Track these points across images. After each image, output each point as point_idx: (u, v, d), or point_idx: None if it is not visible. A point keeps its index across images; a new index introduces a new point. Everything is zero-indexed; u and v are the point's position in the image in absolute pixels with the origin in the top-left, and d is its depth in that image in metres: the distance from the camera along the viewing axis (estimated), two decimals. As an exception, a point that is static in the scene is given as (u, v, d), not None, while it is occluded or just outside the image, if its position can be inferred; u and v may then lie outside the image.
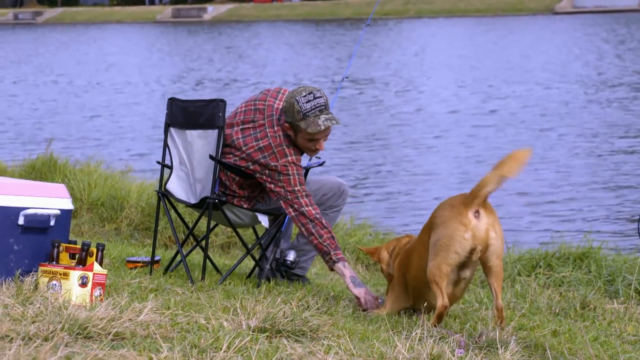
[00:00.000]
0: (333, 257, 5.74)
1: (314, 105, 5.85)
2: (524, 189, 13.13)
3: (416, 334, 4.52)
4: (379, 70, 30.90)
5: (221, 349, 3.99)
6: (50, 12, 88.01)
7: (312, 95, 5.85)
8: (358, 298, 5.63)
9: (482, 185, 5.02)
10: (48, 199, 5.24)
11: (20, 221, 5.09)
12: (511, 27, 55.04)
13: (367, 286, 5.85)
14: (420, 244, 5.35)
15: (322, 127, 5.83)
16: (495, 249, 5.03)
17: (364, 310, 5.53)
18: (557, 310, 6.05)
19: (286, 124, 5.89)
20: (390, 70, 31.13)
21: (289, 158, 5.89)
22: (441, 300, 5.02)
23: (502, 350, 4.41)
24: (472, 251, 5.02)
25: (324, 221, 5.81)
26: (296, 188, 5.85)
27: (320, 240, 5.78)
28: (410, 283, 5.44)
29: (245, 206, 6.07)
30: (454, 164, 15.28)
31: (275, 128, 5.94)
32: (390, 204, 12.85)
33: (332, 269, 5.80)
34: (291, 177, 5.87)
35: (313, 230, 5.80)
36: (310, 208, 5.82)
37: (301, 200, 5.83)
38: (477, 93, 24.53)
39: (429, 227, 5.25)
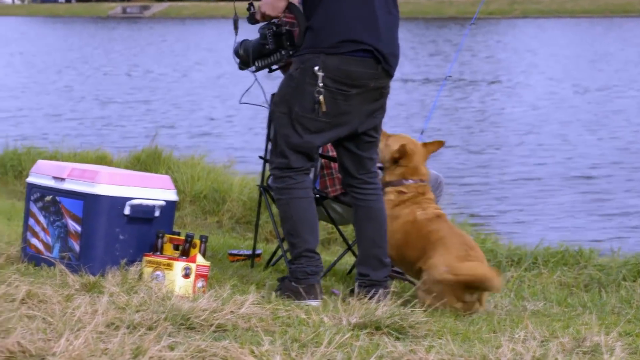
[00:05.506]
0: None
1: None
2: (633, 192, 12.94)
3: (519, 335, 4.44)
4: (483, 70, 30.64)
5: (322, 344, 3.98)
6: (157, 7, 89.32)
7: None
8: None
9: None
10: (153, 190, 5.29)
11: (126, 211, 5.16)
12: (622, 27, 54.07)
13: None
14: None
15: None
16: None
17: None
18: (663, 317, 5.89)
19: None
20: (499, 69, 30.81)
21: None
22: None
23: (607, 355, 4.31)
24: None
25: None
26: None
27: None
28: None
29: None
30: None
31: None
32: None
33: None
34: None
35: None
36: None
37: None
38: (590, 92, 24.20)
39: None
